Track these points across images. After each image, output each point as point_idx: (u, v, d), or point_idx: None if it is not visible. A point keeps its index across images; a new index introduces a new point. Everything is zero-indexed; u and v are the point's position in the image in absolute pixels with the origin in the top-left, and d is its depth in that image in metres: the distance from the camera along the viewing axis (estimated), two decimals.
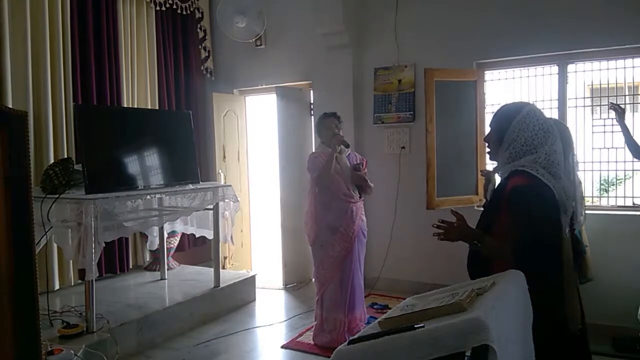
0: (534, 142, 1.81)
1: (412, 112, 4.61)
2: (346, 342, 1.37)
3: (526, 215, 1.72)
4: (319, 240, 3.51)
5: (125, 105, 4.71)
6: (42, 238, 3.18)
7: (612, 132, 3.79)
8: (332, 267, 3.46)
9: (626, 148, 3.37)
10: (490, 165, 3.82)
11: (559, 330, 1.81)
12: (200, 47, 5.59)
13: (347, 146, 3.52)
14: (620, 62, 3.84)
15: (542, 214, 1.73)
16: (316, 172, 3.46)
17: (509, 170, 1.85)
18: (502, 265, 1.72)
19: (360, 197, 3.59)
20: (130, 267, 4.85)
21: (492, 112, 2.03)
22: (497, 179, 2.18)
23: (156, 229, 4.49)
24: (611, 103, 3.46)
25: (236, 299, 4.40)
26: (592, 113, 4.06)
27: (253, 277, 4.68)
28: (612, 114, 3.43)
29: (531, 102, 1.91)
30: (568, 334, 1.86)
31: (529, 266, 1.76)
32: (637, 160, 3.32)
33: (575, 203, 1.98)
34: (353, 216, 3.49)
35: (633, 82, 3.86)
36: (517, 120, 1.83)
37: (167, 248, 4.73)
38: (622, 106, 3.35)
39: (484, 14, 4.22)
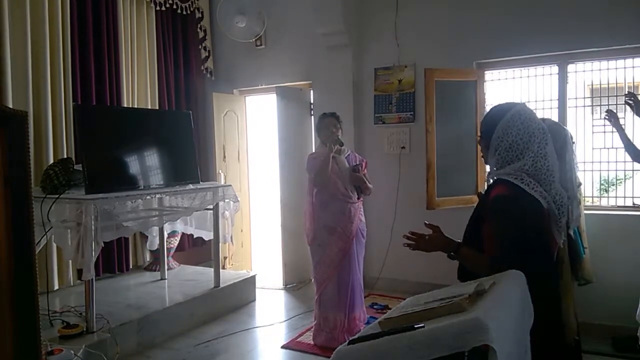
0: (519, 146, 1.69)
1: (412, 112, 4.61)
2: (346, 342, 1.37)
3: (503, 227, 1.64)
4: (317, 240, 3.51)
5: (125, 105, 4.71)
6: (42, 238, 3.18)
7: (612, 132, 3.78)
8: (330, 267, 3.46)
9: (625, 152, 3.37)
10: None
11: (552, 340, 1.74)
12: (200, 47, 5.59)
13: (341, 144, 3.51)
14: (620, 62, 3.84)
15: (522, 225, 1.63)
16: (313, 172, 3.47)
17: (494, 178, 1.77)
18: None
19: (358, 198, 3.59)
20: (130, 267, 4.85)
21: None
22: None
23: (156, 229, 4.50)
24: (607, 110, 3.43)
25: (236, 299, 4.40)
26: (592, 113, 4.06)
27: (253, 277, 4.68)
28: (605, 119, 3.42)
29: (521, 103, 1.81)
30: (562, 344, 1.79)
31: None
32: (637, 162, 3.32)
33: (571, 206, 1.91)
34: (351, 216, 3.49)
35: (633, 82, 3.86)
36: (501, 124, 1.72)
37: (167, 248, 4.73)
38: (614, 110, 3.34)
39: (484, 14, 4.22)
